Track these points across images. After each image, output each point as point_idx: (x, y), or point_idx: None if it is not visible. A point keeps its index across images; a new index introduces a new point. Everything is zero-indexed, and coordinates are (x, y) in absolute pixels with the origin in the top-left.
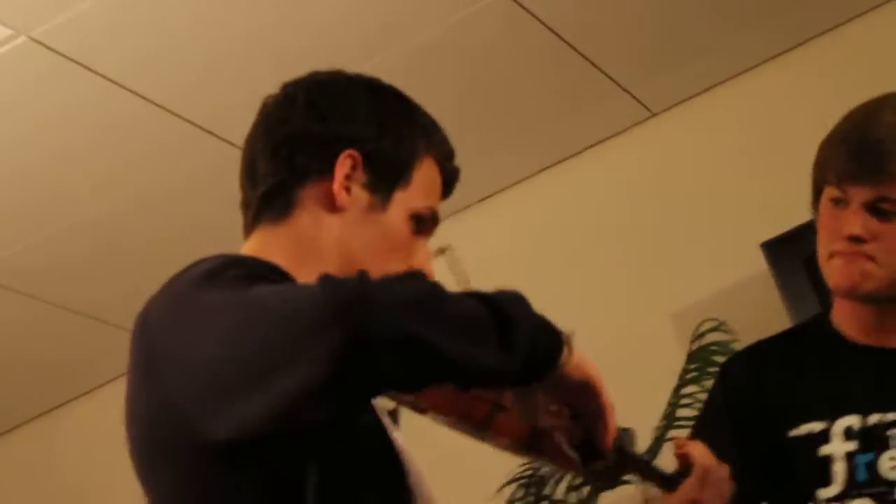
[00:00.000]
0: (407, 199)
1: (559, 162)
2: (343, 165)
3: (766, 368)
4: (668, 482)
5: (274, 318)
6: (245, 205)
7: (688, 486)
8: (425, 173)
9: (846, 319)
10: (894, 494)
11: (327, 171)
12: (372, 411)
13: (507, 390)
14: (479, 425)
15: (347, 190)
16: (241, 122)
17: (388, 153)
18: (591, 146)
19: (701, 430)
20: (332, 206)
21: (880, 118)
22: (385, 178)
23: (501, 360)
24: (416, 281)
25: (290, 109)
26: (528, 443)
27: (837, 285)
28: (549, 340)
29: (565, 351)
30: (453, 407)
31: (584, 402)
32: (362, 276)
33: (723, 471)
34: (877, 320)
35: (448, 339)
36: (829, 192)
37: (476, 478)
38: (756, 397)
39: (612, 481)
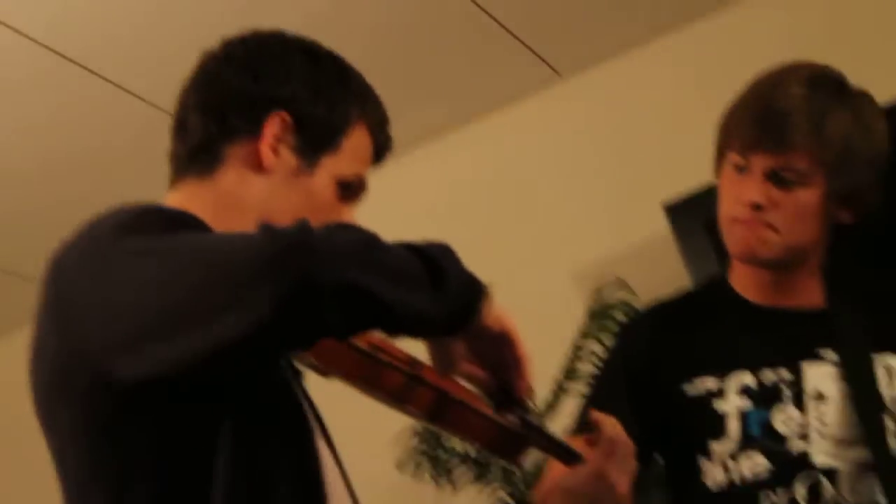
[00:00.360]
0: (335, 165)
1: (467, 122)
2: (272, 126)
3: (663, 328)
4: (569, 455)
5: (210, 264)
6: (172, 157)
7: (594, 458)
8: (356, 140)
9: (743, 282)
10: (787, 449)
11: (256, 131)
12: (283, 369)
13: (428, 346)
14: (395, 396)
15: (275, 151)
16: (162, 83)
17: (320, 117)
18: (499, 107)
19: (598, 388)
20: (258, 167)
21: (787, 88)
22: (314, 142)
23: (434, 307)
24: (355, 230)
25: (226, 66)
26: (434, 414)
27: (737, 252)
28: (473, 291)
29: (486, 301)
30: (363, 375)
31: (502, 352)
32: (303, 224)
33: (629, 446)
34: (773, 283)
35: (385, 286)
36: (732, 158)
37: (374, 426)
38: (653, 356)
39: (520, 454)
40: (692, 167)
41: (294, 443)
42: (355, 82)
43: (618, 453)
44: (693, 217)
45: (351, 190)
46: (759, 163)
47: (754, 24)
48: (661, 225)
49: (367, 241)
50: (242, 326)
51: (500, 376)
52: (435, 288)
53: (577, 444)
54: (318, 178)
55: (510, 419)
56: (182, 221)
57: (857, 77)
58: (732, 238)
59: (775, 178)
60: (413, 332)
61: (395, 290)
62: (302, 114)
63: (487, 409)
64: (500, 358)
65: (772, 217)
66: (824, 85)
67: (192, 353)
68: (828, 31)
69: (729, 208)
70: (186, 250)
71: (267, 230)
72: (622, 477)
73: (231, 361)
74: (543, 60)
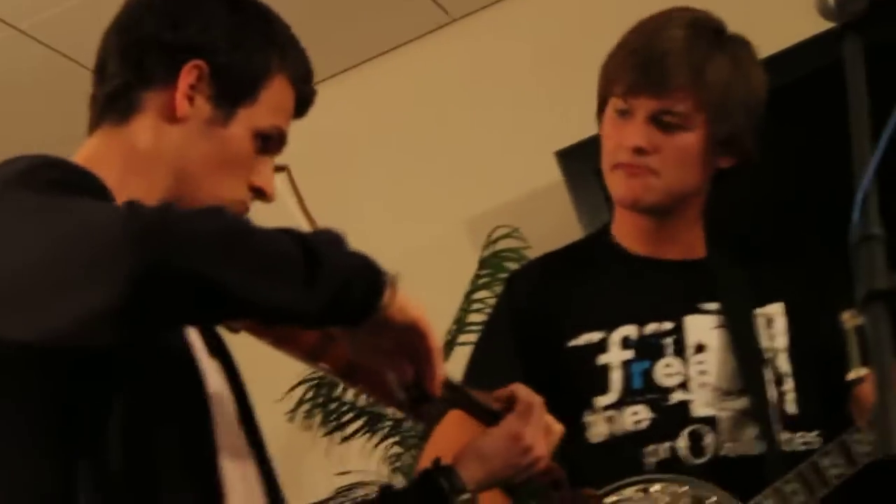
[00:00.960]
0: (252, 117)
1: (358, 64)
2: (188, 75)
3: (548, 281)
4: (491, 416)
5: (75, 235)
6: (92, 101)
7: (509, 420)
8: (276, 91)
9: (626, 232)
10: (668, 400)
11: (172, 80)
12: (181, 335)
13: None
14: (309, 354)
15: (190, 101)
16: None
17: (237, 68)
18: (390, 49)
19: (485, 339)
20: (172, 116)
21: (667, 31)
22: (231, 92)
23: (302, 298)
24: (220, 216)
25: (147, 12)
26: (347, 373)
27: (620, 197)
28: (368, 282)
29: (387, 293)
30: (277, 332)
31: (412, 344)
32: (167, 206)
33: (549, 416)
34: (655, 232)
35: (241, 278)
36: (614, 103)
37: (266, 379)
38: (538, 308)
39: (438, 420)
40: (585, 114)
41: (187, 416)
42: (277, 33)
43: (534, 416)
44: (585, 164)
45: (269, 142)
46: (642, 106)
47: None
48: (553, 172)
49: (232, 230)
50: (90, 304)
51: (417, 368)
52: (308, 280)
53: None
54: (235, 130)
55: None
56: (73, 180)
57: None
58: (616, 184)
59: (657, 121)
60: (282, 322)
61: (253, 282)
62: (218, 63)
63: None
64: (411, 350)
65: (654, 162)
66: (705, 29)
67: (41, 327)
68: None
69: (612, 154)
70: (59, 218)
71: (129, 207)
72: (540, 442)
73: (85, 336)
74: (435, 2)
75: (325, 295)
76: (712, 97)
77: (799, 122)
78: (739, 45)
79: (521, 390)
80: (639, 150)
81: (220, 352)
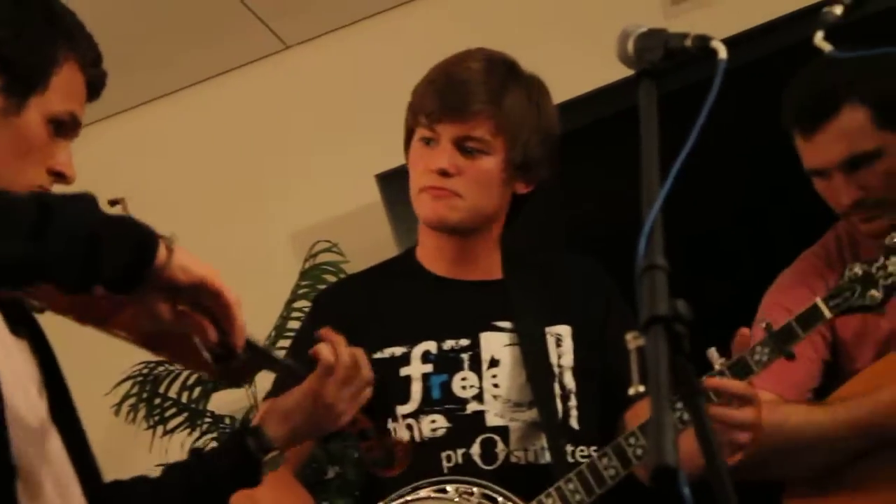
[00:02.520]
0: (44, 104)
1: (195, 83)
2: None
3: (354, 299)
4: (293, 375)
5: None
6: None
7: (310, 379)
8: (66, 78)
9: (429, 253)
10: (464, 410)
11: None
12: None
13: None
14: (97, 320)
15: None
16: None
17: (25, 57)
18: (227, 71)
19: (294, 349)
20: None
21: (465, 64)
22: (20, 82)
23: (28, 251)
24: None
25: None
26: (148, 341)
27: (427, 218)
28: (133, 242)
29: (161, 253)
30: (73, 307)
31: (205, 302)
32: None
33: (365, 372)
34: (456, 254)
35: None
36: (420, 132)
37: (92, 374)
38: (345, 323)
39: (245, 379)
40: (403, 139)
41: None
42: (63, 21)
43: (341, 376)
44: (403, 187)
45: (64, 127)
46: (445, 132)
47: (464, 10)
48: (373, 193)
49: None
50: None
51: (220, 326)
52: (35, 233)
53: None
54: (28, 118)
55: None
56: None
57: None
58: (423, 206)
59: (460, 146)
60: (21, 280)
61: None
62: (5, 54)
63: None
64: (207, 309)
65: (458, 184)
66: (501, 64)
67: None
68: (519, 25)
69: (418, 179)
70: None
71: None
72: (343, 399)
73: None
74: (271, 30)
75: (58, 248)
76: (509, 124)
77: (604, 160)
78: (532, 81)
79: (324, 350)
80: (443, 173)
81: (29, 331)
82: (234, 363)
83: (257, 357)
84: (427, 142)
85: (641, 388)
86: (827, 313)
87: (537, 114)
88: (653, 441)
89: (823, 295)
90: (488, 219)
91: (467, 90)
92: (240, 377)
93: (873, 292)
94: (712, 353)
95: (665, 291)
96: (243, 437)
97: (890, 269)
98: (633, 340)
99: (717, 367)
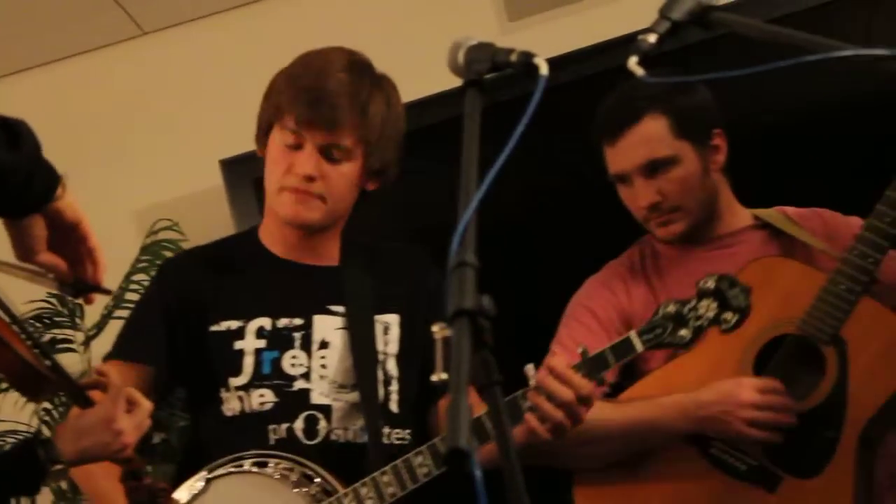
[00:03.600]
0: None
1: (50, 62)
2: None
3: (197, 271)
4: (84, 399)
5: None
6: None
7: (105, 403)
8: None
9: (272, 236)
10: (291, 387)
11: None
12: None
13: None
14: None
15: None
16: None
17: None
18: (82, 52)
19: (135, 317)
20: None
21: (333, 73)
22: None
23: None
24: None
25: None
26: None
27: (289, 217)
28: (48, 172)
29: (60, 188)
30: None
31: (76, 240)
32: None
33: (145, 404)
34: (300, 241)
35: None
36: (285, 134)
37: None
38: (186, 295)
39: (45, 394)
40: (248, 129)
41: None
42: None
43: (125, 401)
44: (244, 173)
45: None
46: (313, 139)
47: (316, 11)
48: (216, 177)
49: None
50: None
51: (76, 267)
52: (13, 146)
53: (95, 394)
54: None
55: (43, 362)
56: None
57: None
58: (284, 205)
59: (326, 153)
60: None
61: None
62: None
63: (21, 346)
64: (76, 247)
65: (321, 187)
66: (363, 71)
67: None
68: (374, 24)
69: (281, 178)
70: None
71: None
72: (131, 426)
73: None
74: (129, 15)
75: (29, 161)
76: (371, 134)
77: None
78: (388, 84)
79: (112, 373)
80: (309, 178)
81: None
82: (94, 292)
83: (56, 376)
84: (293, 145)
85: (444, 376)
86: (639, 346)
87: (394, 120)
88: (449, 425)
89: (623, 298)
90: (341, 217)
91: (337, 103)
92: (35, 391)
93: (683, 332)
94: (529, 368)
95: (473, 287)
96: (35, 446)
97: (700, 311)
98: (439, 331)
99: (532, 382)
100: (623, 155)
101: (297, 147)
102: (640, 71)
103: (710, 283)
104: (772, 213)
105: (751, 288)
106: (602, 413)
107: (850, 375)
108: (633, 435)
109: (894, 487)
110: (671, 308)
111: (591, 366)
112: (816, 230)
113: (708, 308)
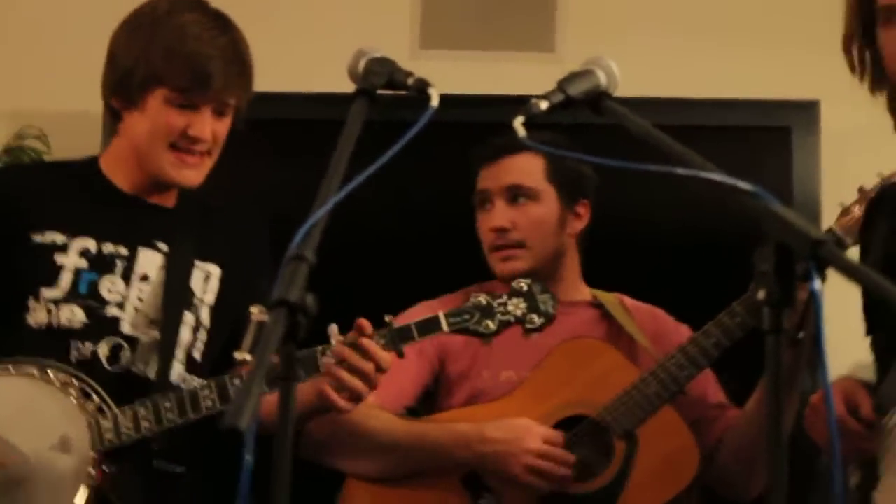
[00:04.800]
0: None
1: None
2: None
3: (30, 180)
4: None
5: None
6: None
7: None
8: None
9: (115, 166)
10: (104, 312)
11: None
12: None
13: None
14: None
15: None
16: None
17: None
18: None
19: None
20: None
21: (212, 39)
22: None
23: None
24: None
25: None
26: None
27: (175, 179)
28: None
29: None
30: None
31: None
32: None
33: None
34: (142, 180)
35: None
36: (173, 95)
37: None
38: (13, 199)
39: None
40: None
41: None
42: None
43: None
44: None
45: None
46: (205, 103)
47: None
48: (95, 103)
49: None
50: None
51: None
52: None
53: None
54: None
55: None
56: None
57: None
58: (170, 164)
59: (216, 112)
60: None
61: None
62: None
63: None
64: None
65: (210, 145)
66: (232, 28)
67: None
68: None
69: (169, 135)
70: None
71: None
72: None
73: None
74: None
75: None
76: (249, 88)
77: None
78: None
79: None
80: (203, 141)
81: None
82: None
83: None
84: (182, 106)
85: (248, 357)
86: (445, 326)
87: (251, 66)
88: (236, 403)
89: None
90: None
91: (226, 71)
92: None
93: (489, 323)
94: (333, 328)
95: (302, 283)
96: None
97: (509, 308)
98: (257, 314)
99: (334, 342)
100: (494, 175)
101: (187, 107)
102: (522, 131)
103: (524, 285)
104: (609, 298)
105: (559, 300)
106: (391, 425)
107: (631, 474)
108: (414, 452)
109: None
110: (482, 299)
111: (394, 336)
112: (646, 327)
113: (517, 307)
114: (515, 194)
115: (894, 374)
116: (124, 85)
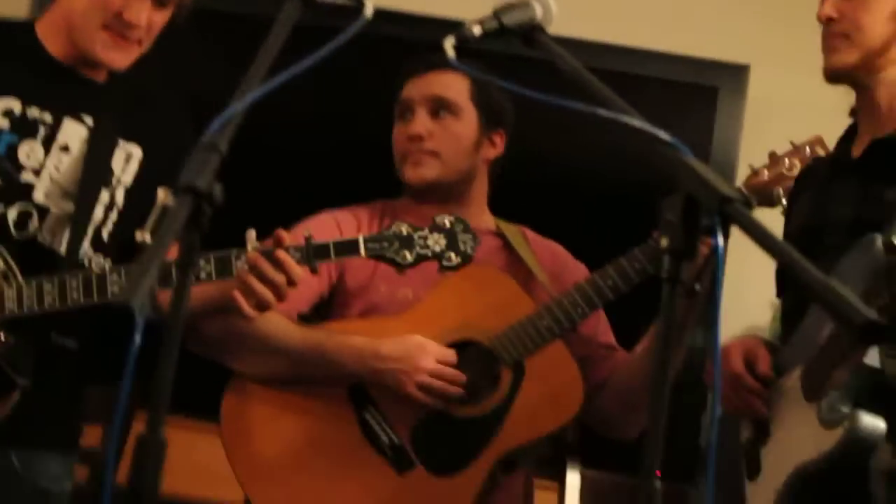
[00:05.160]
0: None
1: None
2: None
3: None
4: None
5: None
6: None
7: None
8: None
9: (51, 33)
10: (19, 177)
11: None
12: None
13: None
14: None
15: None
16: None
17: None
18: None
19: None
20: None
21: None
22: None
23: None
24: None
25: None
26: None
27: (104, 59)
28: None
29: None
30: None
31: None
32: None
33: None
34: (78, 52)
35: None
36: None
37: None
38: None
39: None
40: None
41: None
42: None
43: None
44: None
45: None
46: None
47: None
48: None
49: None
50: None
51: None
52: None
53: None
54: None
55: None
56: None
57: None
58: (102, 43)
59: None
60: None
61: None
62: None
63: None
64: None
65: (142, 32)
66: None
67: None
68: None
69: (104, 14)
70: None
71: None
72: None
73: None
74: None
75: None
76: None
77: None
78: None
79: None
80: (136, 27)
81: None
82: None
83: None
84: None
85: (148, 238)
86: (362, 251)
87: None
88: (132, 281)
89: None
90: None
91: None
92: None
93: (406, 254)
94: (250, 233)
95: (211, 172)
96: None
97: (429, 242)
98: (164, 196)
99: (250, 247)
100: (419, 87)
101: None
102: (451, 53)
103: (446, 221)
104: (512, 229)
105: (480, 240)
106: (287, 330)
107: (515, 403)
108: (305, 359)
109: None
110: (403, 229)
111: (311, 253)
112: (545, 262)
113: (437, 242)
114: (438, 107)
115: (796, 337)
116: None
